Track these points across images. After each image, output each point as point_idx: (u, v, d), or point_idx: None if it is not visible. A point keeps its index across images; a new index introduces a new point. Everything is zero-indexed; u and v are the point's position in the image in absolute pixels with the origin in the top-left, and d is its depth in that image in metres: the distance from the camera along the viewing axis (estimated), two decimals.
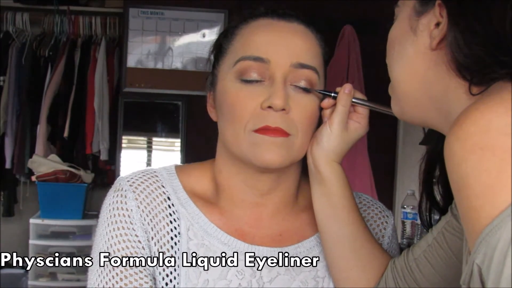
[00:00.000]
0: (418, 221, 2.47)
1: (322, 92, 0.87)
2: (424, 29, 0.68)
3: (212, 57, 0.92)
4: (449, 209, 0.80)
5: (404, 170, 3.31)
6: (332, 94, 0.87)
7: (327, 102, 0.87)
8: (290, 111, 0.83)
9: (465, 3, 0.63)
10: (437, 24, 0.67)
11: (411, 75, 0.71)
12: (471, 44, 0.62)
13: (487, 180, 0.51)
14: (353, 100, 0.87)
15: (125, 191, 0.87)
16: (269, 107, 0.82)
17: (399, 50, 0.73)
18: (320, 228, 0.89)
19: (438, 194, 0.81)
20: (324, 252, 0.90)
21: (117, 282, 0.83)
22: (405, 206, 2.62)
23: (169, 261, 0.85)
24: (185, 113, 3.32)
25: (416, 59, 0.70)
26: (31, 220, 3.03)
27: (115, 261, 0.84)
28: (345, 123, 0.87)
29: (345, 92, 0.86)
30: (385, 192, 3.27)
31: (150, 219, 0.86)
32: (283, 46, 0.84)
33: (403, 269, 0.84)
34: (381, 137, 3.13)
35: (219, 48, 0.90)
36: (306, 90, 0.85)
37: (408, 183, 3.08)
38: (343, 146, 0.87)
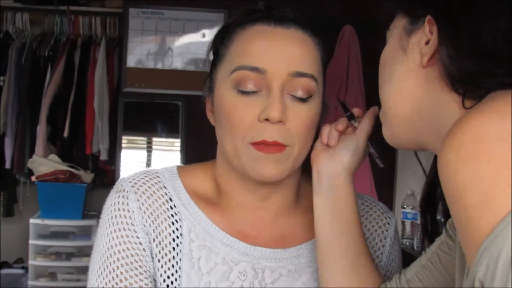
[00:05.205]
0: (418, 221, 2.47)
1: (344, 107, 0.88)
2: (414, 47, 0.69)
3: (210, 57, 0.92)
4: (443, 230, 0.79)
5: (404, 170, 3.31)
6: (350, 114, 0.88)
7: (341, 126, 0.88)
8: (287, 121, 0.82)
9: (456, 17, 0.64)
10: (427, 42, 0.67)
11: (403, 95, 0.70)
12: (462, 57, 0.62)
13: (484, 189, 0.49)
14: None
15: (127, 192, 0.87)
16: (266, 119, 0.81)
17: (390, 71, 0.72)
18: (321, 242, 0.86)
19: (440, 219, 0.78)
20: (320, 267, 0.87)
21: (117, 284, 0.82)
22: (405, 206, 2.62)
23: (171, 263, 0.85)
24: (185, 113, 3.32)
25: (408, 77, 0.69)
26: (31, 220, 3.02)
27: (116, 262, 0.83)
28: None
29: (373, 112, 0.87)
30: (385, 192, 3.27)
31: (152, 221, 0.86)
32: (280, 54, 0.83)
33: None
34: (381, 137, 3.12)
35: (215, 53, 0.89)
36: (302, 100, 0.84)
37: (408, 183, 3.07)
38: (358, 163, 0.88)
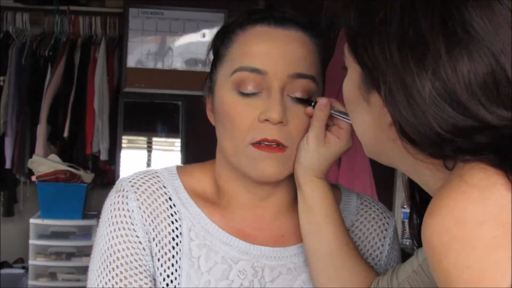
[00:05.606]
0: None
1: (302, 100, 0.84)
2: (376, 104, 0.62)
3: (210, 57, 0.92)
4: None
5: None
6: (312, 104, 0.84)
7: (310, 109, 0.84)
8: (287, 123, 0.83)
9: (391, 89, 0.56)
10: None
11: (372, 140, 0.66)
12: (411, 129, 0.56)
13: (470, 278, 0.47)
14: (333, 112, 0.84)
15: (127, 191, 0.87)
16: (267, 120, 0.82)
17: (357, 113, 0.67)
18: (304, 243, 0.87)
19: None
20: (308, 266, 0.88)
21: (117, 283, 0.83)
22: (405, 206, 2.62)
23: (171, 262, 0.85)
24: (185, 113, 3.32)
25: (377, 131, 0.64)
26: (31, 220, 3.02)
27: (116, 262, 0.84)
28: (321, 138, 0.84)
29: (320, 107, 0.83)
30: (385, 192, 3.26)
31: (152, 220, 0.86)
32: (280, 56, 0.83)
33: None
34: None
35: (216, 53, 0.89)
36: (299, 101, 0.84)
37: None
38: (322, 161, 0.84)
